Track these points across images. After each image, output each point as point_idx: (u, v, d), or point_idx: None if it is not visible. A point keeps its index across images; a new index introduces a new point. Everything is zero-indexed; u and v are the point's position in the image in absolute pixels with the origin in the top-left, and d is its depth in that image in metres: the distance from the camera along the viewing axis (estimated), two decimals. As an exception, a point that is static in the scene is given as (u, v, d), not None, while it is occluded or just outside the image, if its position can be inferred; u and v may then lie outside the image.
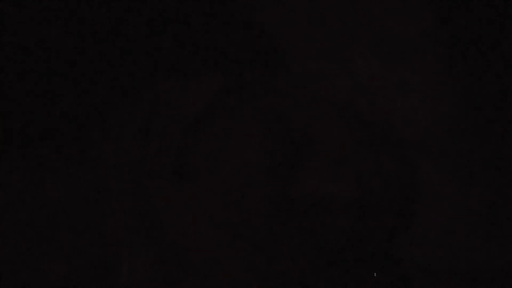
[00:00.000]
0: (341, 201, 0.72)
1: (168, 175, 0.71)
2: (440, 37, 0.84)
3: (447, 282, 0.80)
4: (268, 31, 1.10)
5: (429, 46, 0.84)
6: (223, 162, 0.72)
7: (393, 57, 0.89)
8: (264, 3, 1.17)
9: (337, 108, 0.84)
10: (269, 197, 0.69)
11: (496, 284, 0.78)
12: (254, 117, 0.76)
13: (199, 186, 0.67)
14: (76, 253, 0.54)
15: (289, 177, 0.72)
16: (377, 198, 0.73)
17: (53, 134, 0.68)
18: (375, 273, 0.74)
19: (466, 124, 0.82)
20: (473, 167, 0.80)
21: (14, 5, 0.85)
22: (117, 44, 1.01)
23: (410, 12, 0.87)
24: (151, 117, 0.79)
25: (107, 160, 0.60)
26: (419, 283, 0.80)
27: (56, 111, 0.64)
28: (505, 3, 0.77)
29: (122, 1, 0.95)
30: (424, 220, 0.81)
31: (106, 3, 0.95)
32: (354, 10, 1.08)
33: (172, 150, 0.74)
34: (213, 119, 0.77)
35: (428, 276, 0.81)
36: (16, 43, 0.59)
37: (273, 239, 0.57)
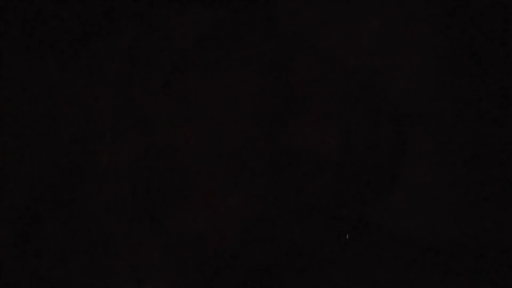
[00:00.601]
0: (327, 154, 0.71)
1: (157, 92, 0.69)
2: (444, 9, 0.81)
3: (420, 254, 0.80)
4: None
5: (434, 18, 0.81)
6: (214, 101, 0.69)
7: (397, 20, 0.86)
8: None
9: (337, 66, 0.82)
10: (259, 141, 0.67)
11: (476, 260, 0.77)
12: (251, 57, 0.73)
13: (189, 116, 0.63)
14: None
15: (281, 124, 0.70)
16: (363, 156, 0.72)
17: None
18: (347, 235, 0.73)
19: (461, 101, 0.80)
20: (465, 143, 0.79)
21: None
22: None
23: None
24: (136, 45, 0.76)
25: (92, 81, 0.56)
26: (390, 252, 0.79)
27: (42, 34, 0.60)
28: None
29: None
30: (407, 188, 0.80)
31: None
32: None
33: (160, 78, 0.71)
34: (205, 53, 0.74)
35: (401, 246, 0.80)
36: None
37: (261, 182, 0.55)
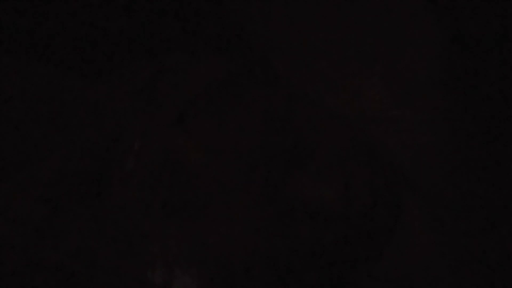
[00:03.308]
0: (328, 209, 0.73)
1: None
2: (451, 78, 0.84)
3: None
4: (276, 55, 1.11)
5: (439, 86, 0.85)
6: (217, 148, 0.72)
7: (402, 90, 0.89)
8: (275, 27, 1.18)
9: (339, 120, 0.85)
10: (261, 193, 0.70)
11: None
12: (255, 108, 0.76)
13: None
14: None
15: (283, 177, 0.73)
16: (363, 211, 0.74)
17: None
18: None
19: (461, 172, 0.82)
20: (459, 215, 0.81)
21: None
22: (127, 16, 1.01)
23: (423, 46, 0.88)
24: (154, 84, 0.79)
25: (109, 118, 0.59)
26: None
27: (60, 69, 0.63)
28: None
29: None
30: (400, 248, 0.81)
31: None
32: (369, 42, 1.08)
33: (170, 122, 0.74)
34: (212, 102, 0.77)
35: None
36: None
37: (261, 234, 0.57)
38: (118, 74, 0.81)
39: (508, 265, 0.76)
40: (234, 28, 1.11)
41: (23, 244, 0.42)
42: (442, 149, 0.82)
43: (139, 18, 1.05)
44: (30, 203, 0.44)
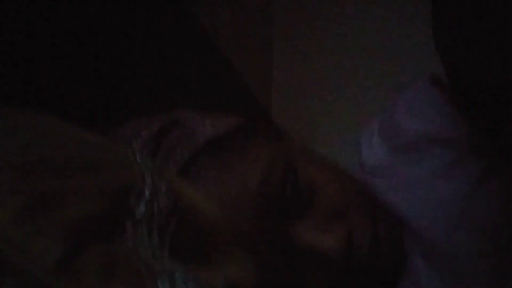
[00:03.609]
0: (329, 255, 0.74)
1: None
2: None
3: None
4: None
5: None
6: (221, 197, 0.74)
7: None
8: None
9: (340, 170, 0.87)
10: (265, 240, 0.72)
11: None
12: (259, 154, 0.79)
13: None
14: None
15: (286, 226, 0.75)
16: (363, 260, 0.75)
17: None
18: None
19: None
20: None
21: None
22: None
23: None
24: (161, 136, 0.82)
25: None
26: None
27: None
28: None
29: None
30: None
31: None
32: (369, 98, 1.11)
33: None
34: (216, 154, 0.80)
35: None
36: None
37: (266, 277, 0.59)
38: (127, 126, 0.84)
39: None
40: (239, 85, 1.14)
41: (39, 281, 0.44)
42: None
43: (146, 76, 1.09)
44: (48, 242, 0.46)
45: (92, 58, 1.02)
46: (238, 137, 0.82)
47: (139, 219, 0.53)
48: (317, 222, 0.76)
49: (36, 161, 0.52)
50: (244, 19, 1.36)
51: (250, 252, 0.59)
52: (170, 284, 0.48)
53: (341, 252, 0.74)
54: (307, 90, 1.37)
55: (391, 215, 0.83)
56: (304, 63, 1.38)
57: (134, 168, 0.58)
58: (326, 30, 1.36)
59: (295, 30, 1.41)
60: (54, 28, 0.96)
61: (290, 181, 0.76)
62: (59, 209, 0.48)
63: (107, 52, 1.04)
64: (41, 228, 0.46)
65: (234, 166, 0.77)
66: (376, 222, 0.78)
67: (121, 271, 0.47)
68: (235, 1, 1.33)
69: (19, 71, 0.89)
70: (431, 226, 0.77)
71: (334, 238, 0.74)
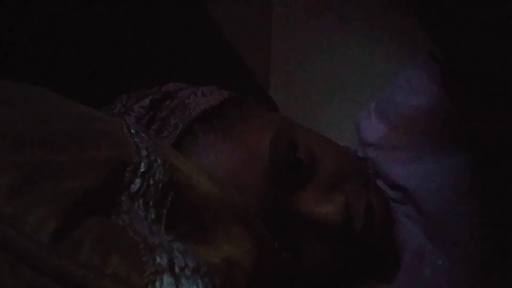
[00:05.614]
0: (329, 224, 0.74)
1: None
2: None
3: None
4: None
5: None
6: (219, 169, 0.73)
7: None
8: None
9: (337, 145, 0.86)
10: (267, 211, 0.71)
11: None
12: (264, 122, 0.78)
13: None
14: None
15: (288, 196, 0.74)
16: (359, 228, 0.75)
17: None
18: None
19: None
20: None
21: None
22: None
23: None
24: (155, 109, 0.80)
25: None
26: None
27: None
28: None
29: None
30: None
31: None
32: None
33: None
34: (210, 126, 0.79)
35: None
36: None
37: (267, 248, 0.59)
38: (117, 102, 0.83)
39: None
40: (234, 59, 1.12)
41: (35, 252, 0.43)
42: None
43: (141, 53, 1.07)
44: (42, 216, 0.45)
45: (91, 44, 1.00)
46: (232, 107, 0.82)
47: (135, 192, 0.52)
48: (317, 192, 0.76)
49: (27, 134, 0.50)
50: (244, 4, 1.35)
51: (248, 229, 0.58)
52: (168, 259, 0.47)
53: (341, 220, 0.74)
54: (304, 76, 1.36)
55: (379, 187, 0.84)
56: (301, 50, 1.37)
57: (129, 142, 0.56)
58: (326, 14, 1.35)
59: (294, 17, 1.39)
60: (52, 25, 0.95)
61: (295, 149, 0.76)
62: (52, 182, 0.47)
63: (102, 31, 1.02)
64: (35, 202, 0.45)
65: (237, 133, 0.76)
66: (369, 192, 0.79)
67: (117, 244, 0.45)
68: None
69: (19, 71, 0.88)
70: (436, 197, 0.77)
71: (334, 206, 0.74)
